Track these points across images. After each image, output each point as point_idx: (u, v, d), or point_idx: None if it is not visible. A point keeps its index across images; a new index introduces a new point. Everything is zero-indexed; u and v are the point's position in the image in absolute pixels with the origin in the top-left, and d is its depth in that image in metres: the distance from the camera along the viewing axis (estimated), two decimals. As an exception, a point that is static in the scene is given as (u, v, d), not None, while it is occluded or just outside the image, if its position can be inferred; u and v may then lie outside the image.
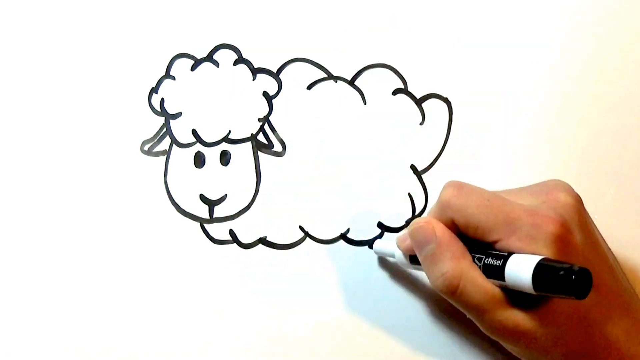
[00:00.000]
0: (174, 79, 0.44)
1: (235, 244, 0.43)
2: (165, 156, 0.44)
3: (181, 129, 0.44)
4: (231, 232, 0.43)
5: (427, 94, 0.44)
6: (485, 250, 0.33)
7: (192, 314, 0.42)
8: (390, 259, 0.41)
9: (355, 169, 0.43)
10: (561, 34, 0.44)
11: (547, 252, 0.31)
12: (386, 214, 0.43)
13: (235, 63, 0.44)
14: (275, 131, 0.44)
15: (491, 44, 0.43)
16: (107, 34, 0.44)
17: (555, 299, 0.32)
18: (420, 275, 0.42)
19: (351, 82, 0.44)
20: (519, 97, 0.43)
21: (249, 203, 0.43)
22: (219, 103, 0.44)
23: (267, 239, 0.43)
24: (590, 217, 0.35)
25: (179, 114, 0.44)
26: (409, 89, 0.44)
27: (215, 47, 0.44)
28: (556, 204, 0.33)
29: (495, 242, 0.33)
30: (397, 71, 0.44)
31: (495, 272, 0.32)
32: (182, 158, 0.44)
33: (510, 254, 0.32)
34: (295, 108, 0.44)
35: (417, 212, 0.43)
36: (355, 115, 0.43)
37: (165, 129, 0.44)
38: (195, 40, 0.44)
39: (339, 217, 0.43)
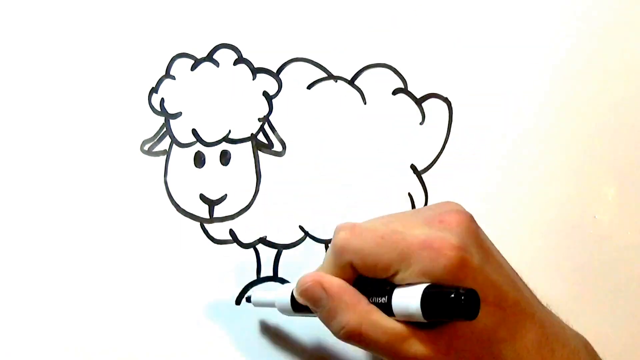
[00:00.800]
0: (174, 78, 0.44)
1: (235, 244, 0.43)
2: (165, 156, 0.44)
3: (181, 129, 0.44)
4: (231, 232, 0.43)
5: (427, 94, 0.44)
6: (383, 289, 0.33)
7: (192, 314, 0.42)
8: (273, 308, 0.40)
9: (355, 169, 0.43)
10: (561, 34, 0.44)
11: (447, 282, 0.31)
12: (386, 214, 0.43)
13: (235, 63, 0.44)
14: (275, 131, 0.44)
15: (491, 44, 0.44)
16: (107, 34, 0.44)
17: (459, 327, 0.32)
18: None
19: (351, 82, 0.44)
20: (519, 97, 0.43)
21: (249, 203, 0.43)
22: (219, 103, 0.44)
23: (267, 238, 0.43)
24: (484, 233, 0.35)
25: (179, 114, 0.44)
26: (409, 89, 0.44)
27: (215, 46, 0.44)
28: (450, 230, 0.33)
29: (394, 275, 0.33)
30: (397, 71, 0.44)
31: (387, 309, 0.33)
32: (182, 158, 0.44)
33: (393, 288, 0.32)
34: (295, 108, 0.44)
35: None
36: (355, 115, 0.44)
37: (165, 129, 0.44)
38: (195, 40, 0.44)
39: (339, 217, 0.43)
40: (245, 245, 0.43)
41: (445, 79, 0.43)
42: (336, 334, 0.34)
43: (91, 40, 0.44)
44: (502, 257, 0.36)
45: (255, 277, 0.43)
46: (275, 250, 0.43)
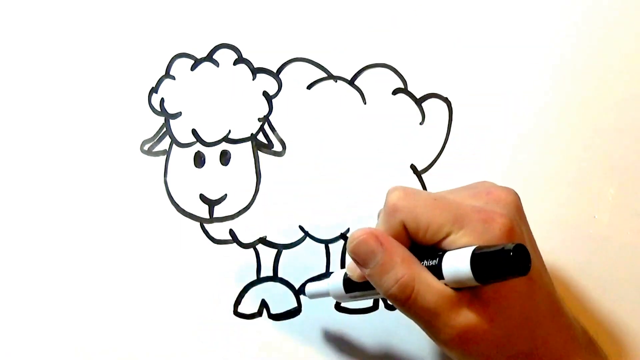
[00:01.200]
0: (174, 78, 0.44)
1: (235, 244, 0.43)
2: (165, 156, 0.44)
3: (181, 129, 0.44)
4: (231, 232, 0.43)
5: (427, 94, 0.44)
6: (434, 254, 0.33)
7: (192, 314, 0.42)
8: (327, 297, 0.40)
9: (355, 169, 0.43)
10: (561, 34, 0.44)
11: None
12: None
13: (235, 63, 0.44)
14: (275, 131, 0.44)
15: (491, 44, 0.44)
16: (107, 34, 0.44)
17: (504, 295, 0.32)
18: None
19: (351, 82, 0.44)
20: (519, 97, 0.43)
21: (249, 203, 0.43)
22: (219, 103, 0.44)
23: (267, 238, 0.43)
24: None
25: (178, 114, 0.44)
26: (409, 89, 0.44)
27: (215, 46, 0.44)
28: (499, 202, 0.34)
29: (446, 237, 0.33)
30: (397, 71, 0.44)
31: (437, 273, 0.32)
32: (182, 158, 0.44)
33: (444, 251, 0.32)
34: (295, 108, 0.44)
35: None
36: (355, 115, 0.44)
37: (165, 129, 0.44)
38: (195, 40, 0.44)
39: (339, 217, 0.43)
40: (245, 245, 0.43)
41: (445, 79, 0.43)
42: (388, 290, 0.33)
43: (91, 40, 0.44)
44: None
45: (255, 277, 0.43)
46: (275, 250, 0.43)
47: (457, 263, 0.31)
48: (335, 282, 0.38)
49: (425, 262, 0.33)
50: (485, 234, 0.32)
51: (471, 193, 0.35)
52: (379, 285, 0.34)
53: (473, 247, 0.31)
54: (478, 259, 0.30)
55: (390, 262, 0.33)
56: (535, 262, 0.33)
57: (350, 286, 0.37)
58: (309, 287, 0.42)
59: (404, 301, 0.33)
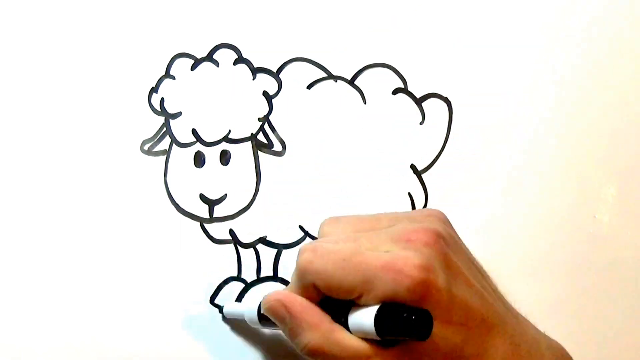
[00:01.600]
0: (174, 78, 0.44)
1: (235, 244, 0.43)
2: (165, 156, 0.44)
3: (181, 129, 0.44)
4: (231, 232, 0.43)
5: (427, 94, 0.44)
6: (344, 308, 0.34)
7: (192, 314, 0.42)
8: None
9: (355, 168, 0.43)
10: (561, 34, 0.44)
11: (409, 302, 0.31)
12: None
13: (235, 63, 0.44)
14: (275, 131, 0.44)
15: (491, 44, 0.44)
16: (106, 34, 0.44)
17: (422, 344, 0.32)
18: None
19: (351, 82, 0.44)
20: (519, 97, 0.43)
21: (249, 203, 0.43)
22: (219, 103, 0.44)
23: (267, 238, 0.43)
24: (456, 246, 0.35)
25: (178, 114, 0.44)
26: (409, 89, 0.44)
27: (215, 46, 0.44)
28: (415, 248, 0.32)
29: (358, 297, 0.33)
30: (397, 71, 0.44)
31: (346, 327, 0.33)
32: (182, 158, 0.44)
33: (349, 309, 0.33)
34: (295, 108, 0.44)
35: (417, 212, 0.43)
36: (355, 114, 0.44)
37: (165, 129, 0.44)
38: (195, 39, 0.44)
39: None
40: (245, 245, 0.43)
41: (445, 78, 0.43)
42: (300, 351, 0.34)
43: (91, 40, 0.44)
44: (475, 272, 0.35)
45: (255, 277, 0.43)
46: (275, 250, 0.43)
47: (362, 319, 0.32)
48: (251, 309, 0.38)
49: (336, 317, 0.34)
50: (396, 293, 0.31)
51: (392, 236, 0.34)
52: (293, 345, 0.35)
53: (377, 306, 0.31)
54: (382, 317, 0.31)
55: (298, 328, 0.34)
56: (466, 298, 0.33)
57: (266, 319, 0.37)
58: (228, 307, 0.42)
59: (315, 359, 0.34)
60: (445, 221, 0.36)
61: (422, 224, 0.34)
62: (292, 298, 0.35)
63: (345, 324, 0.33)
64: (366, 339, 0.33)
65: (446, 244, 0.34)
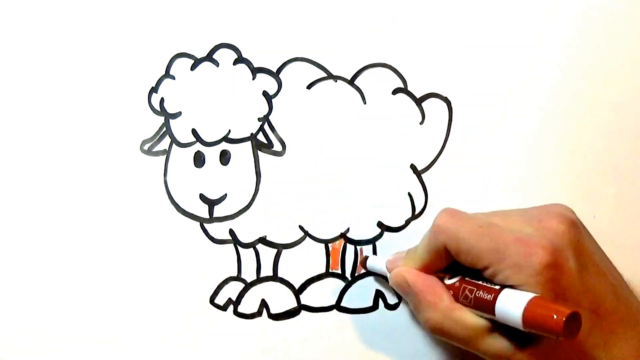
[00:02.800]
0: (174, 78, 0.44)
1: (235, 244, 0.43)
2: (165, 156, 0.44)
3: (181, 129, 0.44)
4: (231, 232, 0.43)
5: (427, 94, 0.44)
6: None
7: (192, 313, 0.42)
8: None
9: (355, 168, 0.43)
10: (561, 34, 0.44)
11: (534, 281, 0.32)
12: (386, 214, 0.43)
13: (235, 62, 0.44)
14: (275, 131, 0.43)
15: (491, 44, 0.43)
16: (106, 34, 0.44)
17: None
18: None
19: (351, 82, 0.44)
20: (519, 97, 0.43)
21: (249, 203, 0.43)
22: (219, 102, 0.44)
23: (267, 238, 0.43)
24: (589, 239, 0.35)
25: (178, 114, 0.44)
26: (409, 89, 0.44)
27: (215, 46, 0.44)
28: (548, 232, 0.33)
29: (485, 268, 0.33)
30: (397, 71, 0.44)
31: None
32: (182, 157, 0.44)
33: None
34: (295, 107, 0.44)
35: (417, 212, 0.43)
36: (355, 114, 0.43)
37: (165, 129, 0.44)
38: (195, 39, 0.44)
39: (338, 216, 0.43)
40: (245, 245, 0.43)
41: (445, 78, 0.43)
42: (421, 324, 0.37)
43: (91, 40, 0.44)
44: (609, 265, 0.36)
45: (255, 277, 0.43)
46: (275, 250, 0.43)
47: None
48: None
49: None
50: (524, 270, 0.32)
51: (524, 218, 0.34)
52: (416, 317, 0.37)
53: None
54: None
55: (419, 306, 0.36)
56: (596, 288, 0.33)
57: None
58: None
59: (435, 335, 0.36)
60: (574, 214, 0.36)
61: (555, 211, 0.35)
62: (415, 276, 0.36)
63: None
64: (484, 317, 0.33)
65: (579, 232, 0.34)
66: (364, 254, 0.43)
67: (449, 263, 0.36)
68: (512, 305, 0.31)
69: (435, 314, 0.35)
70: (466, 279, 0.35)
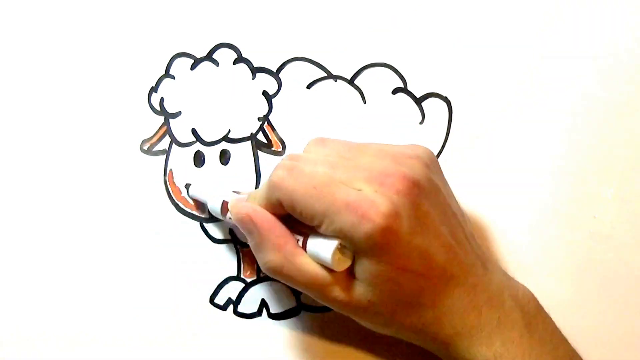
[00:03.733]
0: (174, 78, 0.44)
1: (235, 243, 0.43)
2: (165, 155, 0.44)
3: (181, 128, 0.44)
4: (231, 232, 0.43)
5: (427, 93, 0.44)
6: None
7: (192, 313, 0.43)
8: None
9: (355, 168, 0.43)
10: (561, 34, 0.44)
11: (361, 247, 0.33)
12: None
13: (235, 62, 0.44)
14: (275, 130, 0.43)
15: (491, 44, 0.43)
16: (106, 33, 0.44)
17: (381, 282, 0.33)
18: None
19: (351, 82, 0.44)
20: (519, 96, 0.43)
21: (249, 202, 0.43)
22: (219, 102, 0.44)
23: (267, 238, 0.43)
24: (436, 192, 0.35)
25: (178, 113, 0.44)
26: (409, 88, 0.44)
27: (215, 46, 0.44)
28: (386, 193, 0.33)
29: (317, 227, 0.34)
30: (397, 70, 0.44)
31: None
32: (182, 157, 0.44)
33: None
34: (295, 107, 0.44)
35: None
36: (355, 114, 0.43)
37: (165, 128, 0.44)
38: (194, 39, 0.44)
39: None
40: (245, 245, 0.43)
41: (445, 78, 0.43)
42: (261, 266, 0.36)
43: (91, 39, 0.44)
44: (453, 217, 0.36)
45: (254, 277, 0.43)
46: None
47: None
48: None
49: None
50: (352, 234, 0.32)
51: (367, 175, 0.34)
52: (256, 257, 0.37)
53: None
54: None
55: (262, 245, 0.36)
56: (434, 255, 0.34)
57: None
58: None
59: (275, 277, 0.36)
60: (431, 163, 0.36)
61: (402, 168, 0.34)
62: (262, 215, 0.36)
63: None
64: (324, 267, 0.34)
65: (421, 193, 0.34)
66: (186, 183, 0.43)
67: (284, 214, 0.36)
68: (322, 247, 0.34)
69: (277, 255, 0.35)
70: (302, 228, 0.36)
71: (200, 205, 0.43)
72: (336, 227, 0.33)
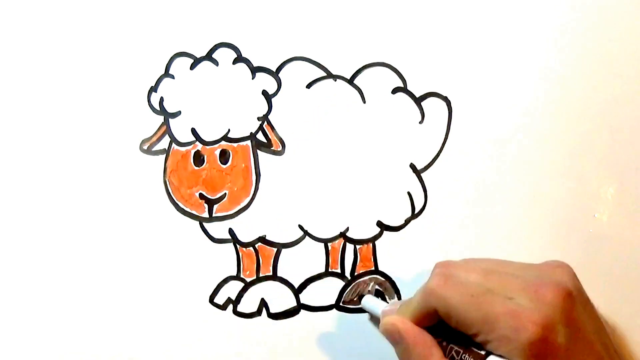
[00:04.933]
0: (174, 77, 0.44)
1: (234, 243, 0.43)
2: (165, 155, 0.44)
3: (180, 128, 0.44)
4: (230, 231, 0.43)
5: (427, 93, 0.44)
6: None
7: (192, 313, 0.43)
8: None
9: (355, 168, 0.43)
10: (561, 34, 0.44)
11: (520, 355, 0.32)
12: (385, 213, 0.43)
13: (235, 62, 0.44)
14: (275, 130, 0.43)
15: (491, 44, 0.43)
16: (106, 33, 0.44)
17: None
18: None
19: (350, 81, 0.44)
20: (519, 96, 0.43)
21: (249, 202, 0.43)
22: (218, 102, 0.44)
23: (267, 237, 0.43)
24: (583, 305, 0.35)
25: (178, 113, 0.44)
26: (409, 88, 0.44)
27: (215, 45, 0.44)
28: (542, 305, 0.33)
29: (475, 335, 0.33)
30: (397, 70, 0.44)
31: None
32: (182, 157, 0.44)
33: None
34: (295, 107, 0.44)
35: (416, 211, 0.43)
36: (354, 114, 0.43)
37: (164, 128, 0.44)
38: (194, 39, 0.44)
39: (338, 215, 0.43)
40: (244, 244, 0.43)
41: (444, 78, 0.43)
42: None
43: (91, 39, 0.44)
44: (601, 333, 0.35)
45: (254, 277, 0.43)
46: (274, 250, 0.43)
47: None
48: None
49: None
50: (512, 343, 0.32)
51: (522, 285, 0.34)
52: None
53: None
54: None
55: (409, 357, 0.35)
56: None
57: None
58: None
59: None
60: (574, 275, 0.36)
61: (553, 278, 0.34)
62: (409, 327, 0.36)
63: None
64: None
65: (573, 302, 0.34)
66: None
67: (438, 321, 0.36)
68: None
69: None
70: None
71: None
72: (497, 334, 0.32)
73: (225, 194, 0.43)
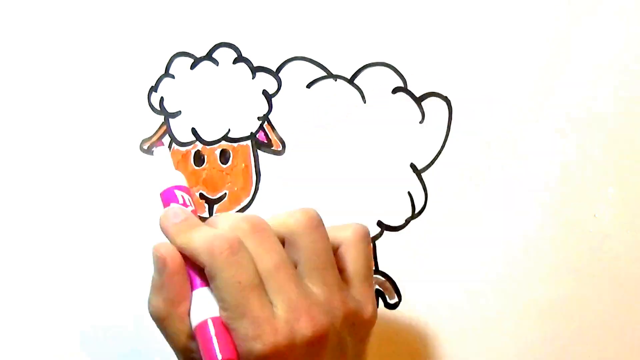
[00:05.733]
0: (174, 77, 0.44)
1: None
2: (165, 155, 0.44)
3: (181, 128, 0.44)
4: (231, 231, 0.43)
5: (427, 93, 0.43)
6: None
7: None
8: None
9: (355, 168, 0.43)
10: (561, 34, 0.44)
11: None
12: (386, 213, 0.43)
13: (235, 61, 0.44)
14: (275, 130, 0.43)
15: (491, 43, 0.43)
16: (106, 33, 0.44)
17: None
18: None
19: (351, 81, 0.44)
20: (519, 96, 0.43)
21: (249, 202, 0.43)
22: (219, 102, 0.44)
23: (267, 237, 0.43)
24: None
25: (178, 113, 0.44)
26: (409, 88, 0.44)
27: (215, 45, 0.44)
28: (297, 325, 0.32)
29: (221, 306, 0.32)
30: (397, 70, 0.44)
31: None
32: (182, 157, 0.44)
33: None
34: (295, 107, 0.44)
35: (416, 211, 0.43)
36: (354, 114, 0.43)
37: (164, 128, 0.44)
38: (194, 38, 0.44)
39: (338, 215, 0.43)
40: (244, 244, 0.43)
41: (445, 77, 0.43)
42: (148, 306, 0.34)
43: (91, 39, 0.44)
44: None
45: (254, 276, 0.43)
46: (274, 249, 0.43)
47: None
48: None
49: None
50: (245, 344, 0.31)
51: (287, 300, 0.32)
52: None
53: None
54: None
55: (159, 287, 0.34)
56: None
57: None
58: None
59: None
60: None
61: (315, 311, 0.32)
62: (177, 259, 0.33)
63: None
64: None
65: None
66: None
67: None
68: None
69: (165, 305, 0.33)
70: None
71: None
72: (235, 327, 0.31)
73: (226, 194, 0.43)
